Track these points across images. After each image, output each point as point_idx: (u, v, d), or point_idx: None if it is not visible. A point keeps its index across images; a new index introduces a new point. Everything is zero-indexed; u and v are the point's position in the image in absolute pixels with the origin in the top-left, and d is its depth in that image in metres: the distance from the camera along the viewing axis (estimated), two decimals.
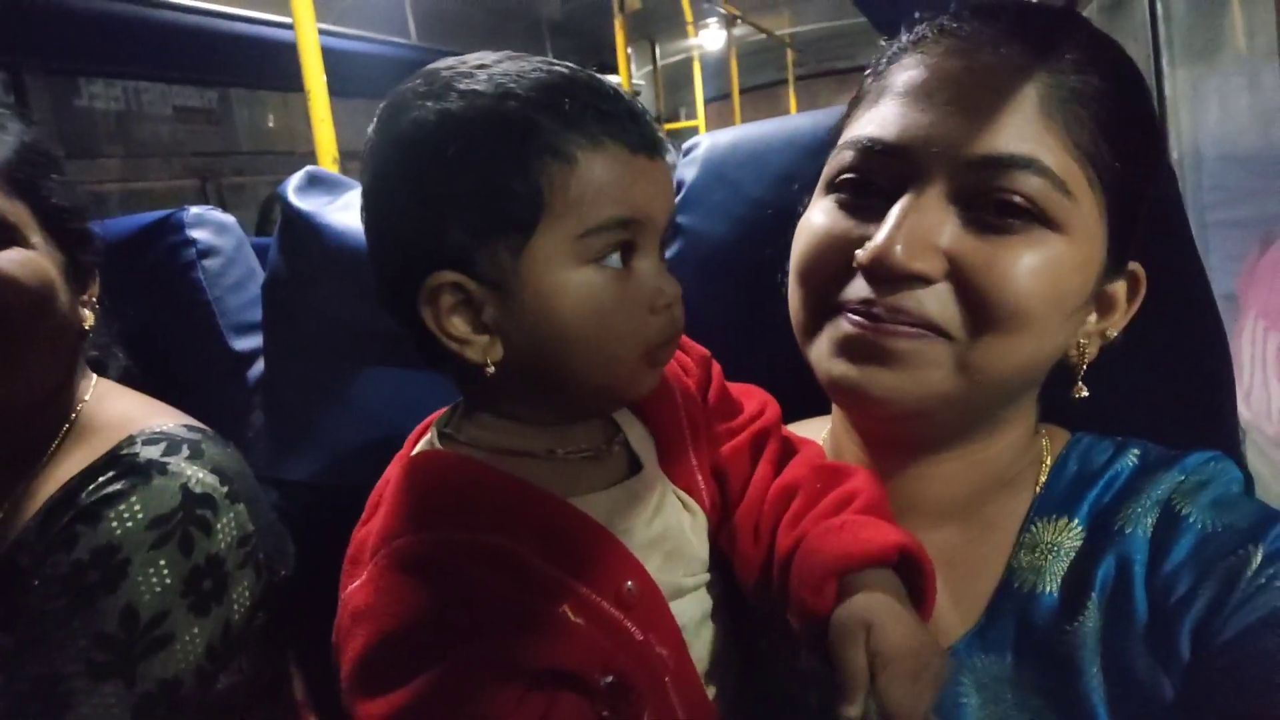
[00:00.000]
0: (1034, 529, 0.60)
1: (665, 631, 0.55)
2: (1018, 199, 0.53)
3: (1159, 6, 1.85)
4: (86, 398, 0.87)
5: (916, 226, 0.54)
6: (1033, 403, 0.64)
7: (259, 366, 1.09)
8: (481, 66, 0.52)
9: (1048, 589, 0.57)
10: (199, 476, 0.80)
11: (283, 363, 1.02)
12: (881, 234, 0.54)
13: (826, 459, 0.64)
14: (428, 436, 0.60)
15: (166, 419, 0.86)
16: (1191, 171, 1.75)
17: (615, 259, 0.52)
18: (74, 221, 0.86)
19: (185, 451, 0.81)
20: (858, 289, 0.56)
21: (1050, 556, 0.58)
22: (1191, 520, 0.54)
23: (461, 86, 0.51)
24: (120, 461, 0.79)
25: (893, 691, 0.46)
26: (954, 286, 0.54)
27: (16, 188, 0.80)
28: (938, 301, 0.54)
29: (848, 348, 0.57)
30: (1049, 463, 0.63)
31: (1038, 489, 0.61)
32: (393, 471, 0.58)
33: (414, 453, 0.59)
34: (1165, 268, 0.69)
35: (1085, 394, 0.61)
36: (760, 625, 0.61)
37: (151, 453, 0.80)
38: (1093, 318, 0.60)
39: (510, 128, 0.49)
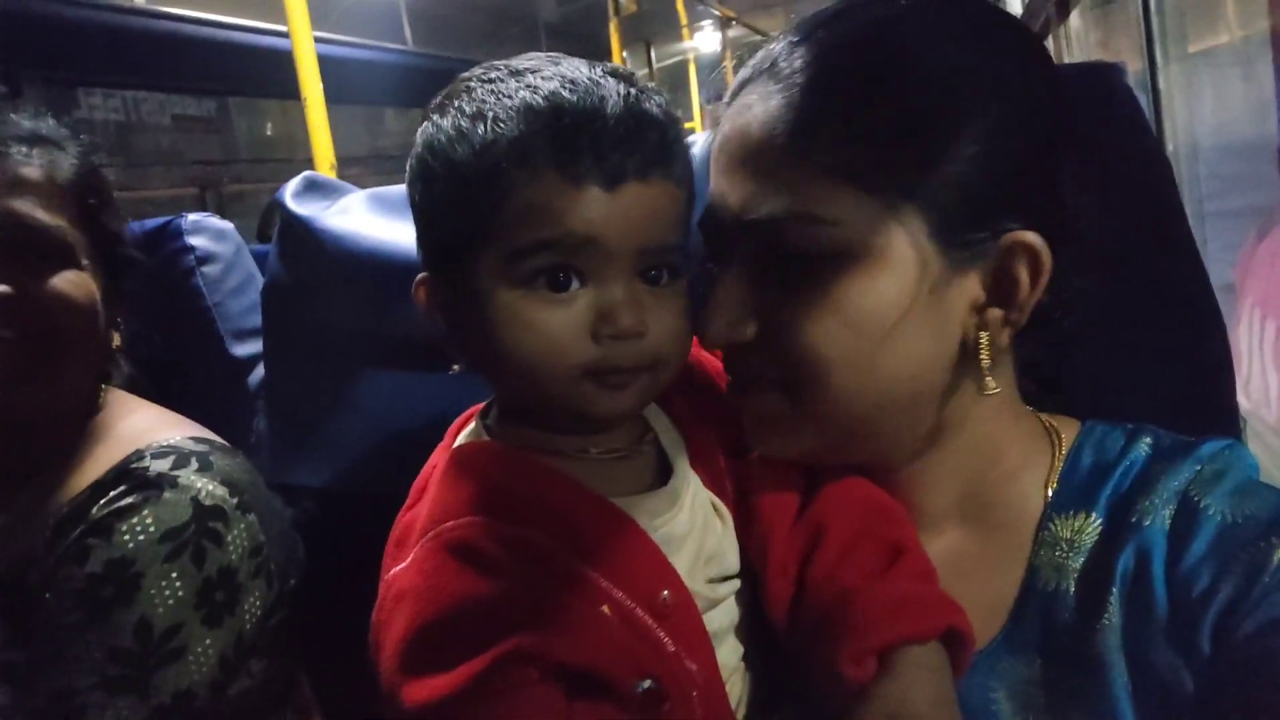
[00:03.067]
0: (1053, 525, 0.58)
1: (697, 645, 0.54)
2: (781, 254, 0.55)
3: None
4: (99, 412, 0.88)
5: (721, 300, 0.57)
6: (989, 397, 0.59)
7: (259, 372, 1.09)
8: (487, 81, 0.54)
9: (1070, 586, 0.56)
10: (209, 489, 0.80)
11: (283, 368, 1.02)
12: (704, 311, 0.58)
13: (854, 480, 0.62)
14: (471, 427, 0.61)
15: (174, 431, 0.86)
16: (1188, 162, 1.75)
17: (543, 284, 0.52)
18: (123, 248, 0.88)
19: (194, 464, 0.81)
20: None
21: (1071, 553, 0.57)
22: (1210, 512, 0.53)
23: (454, 104, 0.54)
24: (130, 476, 0.79)
25: None
26: (779, 349, 0.56)
27: (80, 212, 0.82)
28: (762, 360, 0.57)
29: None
30: (1062, 455, 0.61)
31: (1052, 484, 0.60)
32: (438, 458, 0.59)
33: (459, 443, 0.60)
34: (1163, 258, 0.69)
35: (995, 390, 0.56)
36: (786, 650, 0.59)
37: (160, 466, 0.80)
38: (976, 314, 0.55)
39: (468, 153, 0.52)
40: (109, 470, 0.81)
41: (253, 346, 1.09)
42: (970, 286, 0.55)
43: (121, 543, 0.74)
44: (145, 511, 0.76)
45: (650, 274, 0.54)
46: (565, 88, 0.51)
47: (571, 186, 0.50)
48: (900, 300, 0.53)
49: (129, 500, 0.77)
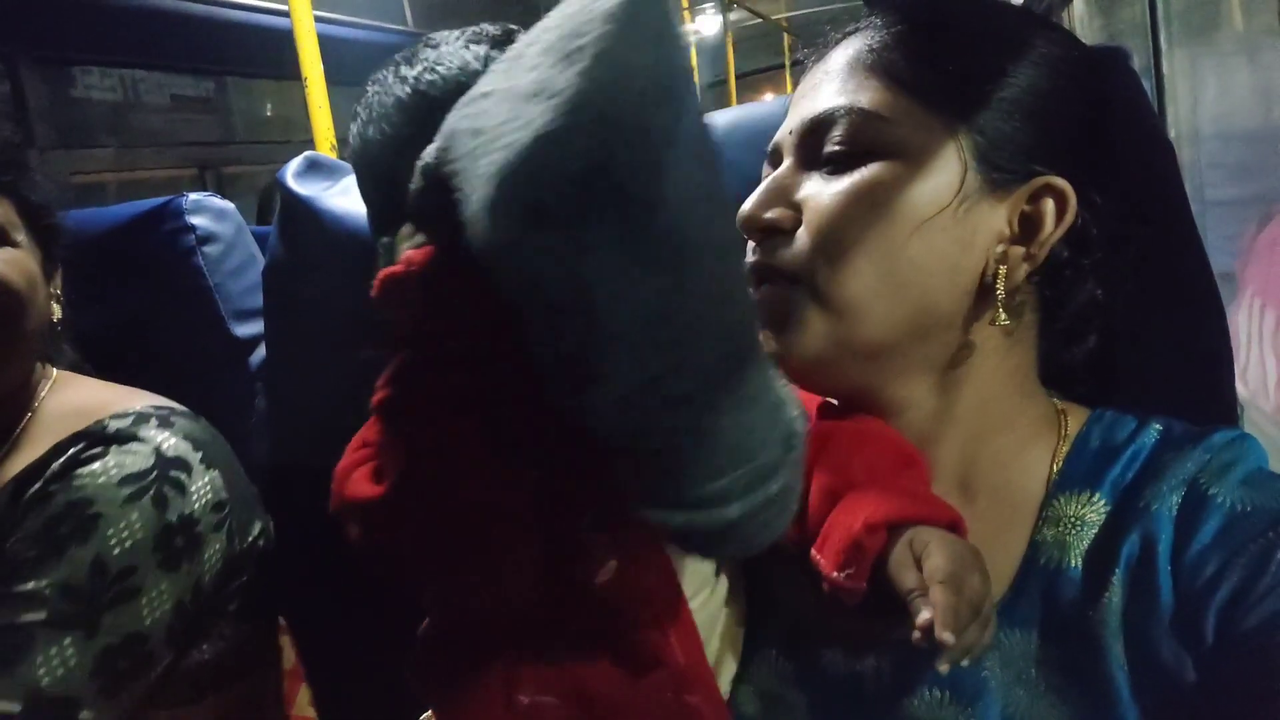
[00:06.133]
0: (1057, 503, 0.59)
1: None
2: (836, 145, 0.59)
3: None
4: (44, 391, 0.87)
5: (767, 187, 0.62)
6: (1001, 355, 0.61)
7: (260, 352, 1.09)
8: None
9: (1073, 564, 0.56)
10: (171, 442, 0.81)
11: (284, 348, 1.02)
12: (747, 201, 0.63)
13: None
14: None
15: (133, 401, 0.86)
16: (1190, 149, 1.75)
17: None
18: (48, 217, 0.87)
19: (154, 422, 0.82)
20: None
21: (1075, 531, 0.57)
22: (1220, 500, 0.53)
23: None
24: (88, 434, 0.80)
25: (944, 597, 0.45)
26: (806, 231, 0.59)
27: (2, 188, 0.81)
28: (793, 250, 0.60)
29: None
30: (1070, 437, 0.61)
31: (1058, 463, 0.61)
32: None
33: None
34: (1165, 245, 0.69)
35: (1005, 320, 0.58)
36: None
37: (120, 424, 0.81)
38: (1001, 246, 0.58)
39: None
40: (68, 436, 0.80)
41: (254, 327, 1.09)
42: (999, 215, 0.58)
43: (81, 486, 0.75)
44: (107, 459, 0.77)
45: None
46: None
47: None
48: (935, 201, 0.57)
49: (91, 452, 0.77)
